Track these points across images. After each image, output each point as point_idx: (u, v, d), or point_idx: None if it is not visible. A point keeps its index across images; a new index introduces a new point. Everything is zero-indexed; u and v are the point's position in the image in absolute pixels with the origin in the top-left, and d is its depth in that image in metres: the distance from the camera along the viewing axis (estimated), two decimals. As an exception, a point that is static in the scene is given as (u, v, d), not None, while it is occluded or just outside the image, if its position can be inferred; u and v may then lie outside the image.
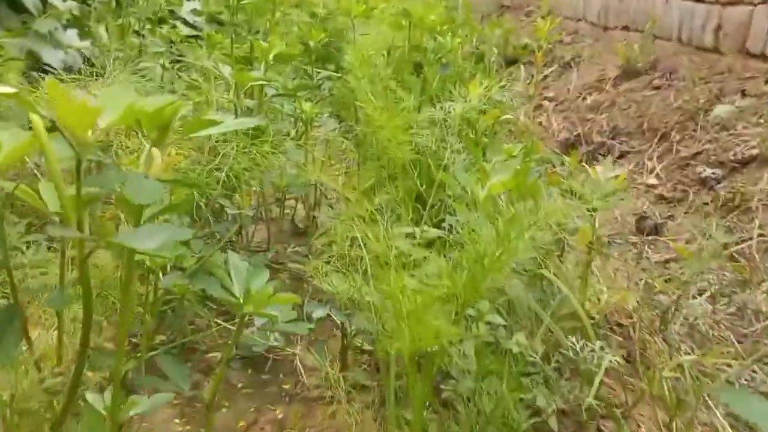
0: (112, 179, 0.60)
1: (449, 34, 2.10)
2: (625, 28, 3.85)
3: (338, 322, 1.46)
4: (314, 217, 1.86)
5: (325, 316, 1.37)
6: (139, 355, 1.16)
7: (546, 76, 3.70)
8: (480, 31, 2.20)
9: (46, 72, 2.93)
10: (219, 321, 1.50)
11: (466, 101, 1.57)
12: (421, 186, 1.54)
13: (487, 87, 1.64)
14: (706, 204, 2.19)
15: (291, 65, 2.42)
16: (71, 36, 3.29)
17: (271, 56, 1.50)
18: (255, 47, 1.51)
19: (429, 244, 1.16)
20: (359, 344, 1.44)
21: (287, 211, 2.00)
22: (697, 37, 3.19)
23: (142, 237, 0.49)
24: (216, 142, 1.64)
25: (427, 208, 1.57)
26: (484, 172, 1.09)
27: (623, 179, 1.17)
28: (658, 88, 3.05)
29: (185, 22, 3.90)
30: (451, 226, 1.02)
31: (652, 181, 2.48)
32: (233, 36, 1.74)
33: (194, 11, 3.92)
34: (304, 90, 1.87)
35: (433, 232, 1.06)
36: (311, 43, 1.95)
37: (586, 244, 1.07)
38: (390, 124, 1.44)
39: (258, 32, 2.46)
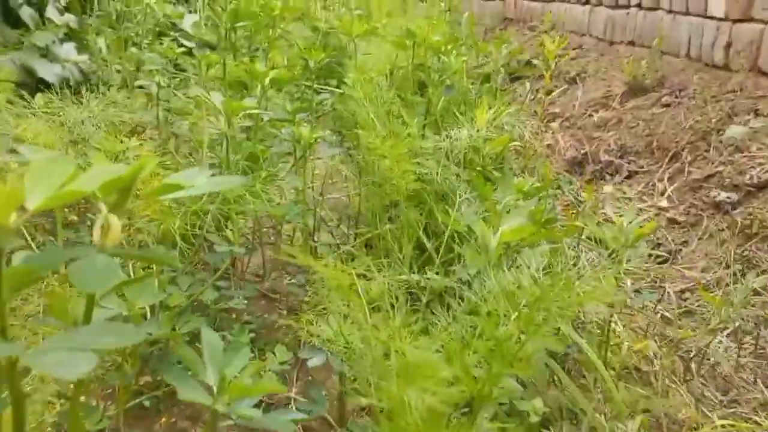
0: (56, 257, 0.49)
1: (453, 53, 2.00)
2: (631, 43, 3.75)
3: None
4: (313, 242, 1.75)
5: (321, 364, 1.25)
6: (115, 411, 1.05)
7: (550, 92, 3.59)
8: (485, 49, 2.10)
9: (41, 87, 2.83)
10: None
11: (473, 128, 1.46)
12: (427, 217, 1.43)
13: (495, 112, 1.53)
14: (722, 230, 2.07)
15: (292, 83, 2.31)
16: (69, 50, 3.19)
17: (267, 80, 1.40)
18: (250, 71, 1.41)
19: (438, 294, 1.04)
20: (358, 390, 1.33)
21: (286, 234, 1.89)
22: (706, 54, 3.08)
23: (56, 360, 0.38)
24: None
25: (433, 238, 1.45)
26: (495, 214, 0.98)
27: (652, 228, 1.06)
28: (667, 105, 2.94)
29: (187, 36, 3.80)
30: (465, 280, 0.90)
31: (664, 203, 2.36)
32: (227, 56, 1.63)
33: (195, 24, 3.82)
34: (303, 112, 1.76)
35: (440, 283, 0.95)
36: (311, 63, 1.84)
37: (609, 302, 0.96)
38: (393, 153, 1.33)
39: (258, 49, 2.36)
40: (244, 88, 1.47)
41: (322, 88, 2.46)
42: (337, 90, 2.20)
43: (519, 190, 1.10)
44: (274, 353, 1.39)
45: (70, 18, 3.26)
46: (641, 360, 1.29)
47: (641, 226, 0.97)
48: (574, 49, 4.22)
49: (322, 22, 3.16)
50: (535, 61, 2.60)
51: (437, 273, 1.30)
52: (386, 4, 4.39)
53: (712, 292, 1.81)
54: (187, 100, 2.10)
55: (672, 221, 2.26)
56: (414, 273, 1.42)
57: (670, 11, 3.38)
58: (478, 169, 1.49)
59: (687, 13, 3.24)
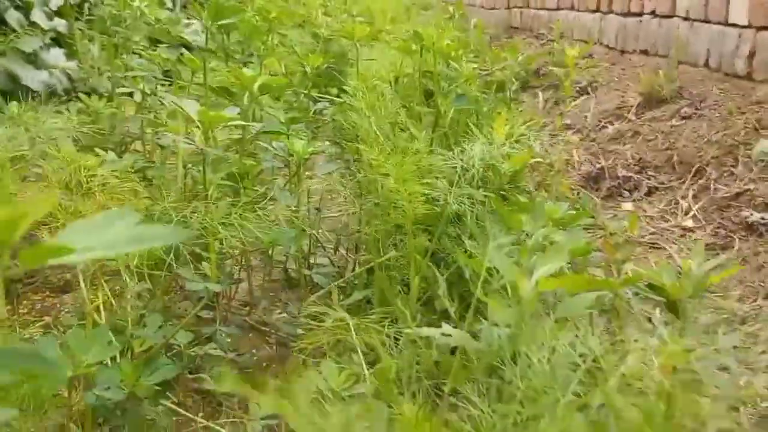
0: None
1: (464, 59, 1.80)
2: (644, 52, 3.55)
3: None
4: (308, 269, 1.54)
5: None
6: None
7: (558, 102, 3.39)
8: (498, 56, 1.90)
9: (25, 95, 2.64)
10: (182, 414, 1.18)
11: (488, 142, 1.26)
12: (436, 244, 1.22)
13: (512, 126, 1.32)
14: (757, 254, 1.87)
15: (290, 91, 2.12)
16: (57, 56, 3.00)
17: (256, 86, 1.19)
18: (237, 76, 1.21)
19: (452, 352, 0.84)
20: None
21: (280, 258, 1.68)
22: (727, 63, 2.88)
23: None
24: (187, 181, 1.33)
25: (444, 268, 1.25)
26: (525, 251, 0.78)
27: (733, 272, 0.85)
28: (686, 117, 2.73)
29: (185, 43, 3.61)
30: (498, 337, 0.70)
31: (689, 223, 2.16)
32: (213, 60, 1.43)
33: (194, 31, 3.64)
34: (298, 123, 1.56)
35: (458, 337, 0.75)
36: (308, 69, 1.65)
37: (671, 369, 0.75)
38: (398, 172, 1.12)
39: (252, 55, 2.16)
40: (230, 96, 1.28)
41: (321, 97, 2.27)
42: (338, 99, 2.01)
43: (552, 218, 0.90)
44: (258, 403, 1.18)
45: (59, 23, 3.08)
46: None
47: (713, 270, 0.77)
48: (583, 58, 4.02)
49: (323, 28, 2.97)
50: (553, 69, 2.40)
51: (447, 316, 1.10)
52: (390, 11, 4.21)
53: (751, 326, 1.60)
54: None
55: (699, 243, 2.05)
56: (421, 310, 1.22)
57: (686, 19, 3.19)
58: (496, 190, 1.28)
59: (706, 21, 3.04)
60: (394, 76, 1.83)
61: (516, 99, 2.18)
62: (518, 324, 0.66)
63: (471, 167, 1.27)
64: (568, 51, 1.77)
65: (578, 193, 2.25)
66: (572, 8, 4.37)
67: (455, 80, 1.64)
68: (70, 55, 3.12)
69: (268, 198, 1.38)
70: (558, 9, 4.59)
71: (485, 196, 1.30)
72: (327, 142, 2.03)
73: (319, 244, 1.65)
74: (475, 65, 1.88)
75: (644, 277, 0.80)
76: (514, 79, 1.88)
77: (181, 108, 1.01)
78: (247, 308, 1.63)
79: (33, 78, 2.77)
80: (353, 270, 1.53)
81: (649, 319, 1.21)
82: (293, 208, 1.36)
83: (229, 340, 1.29)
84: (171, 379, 1.17)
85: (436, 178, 1.26)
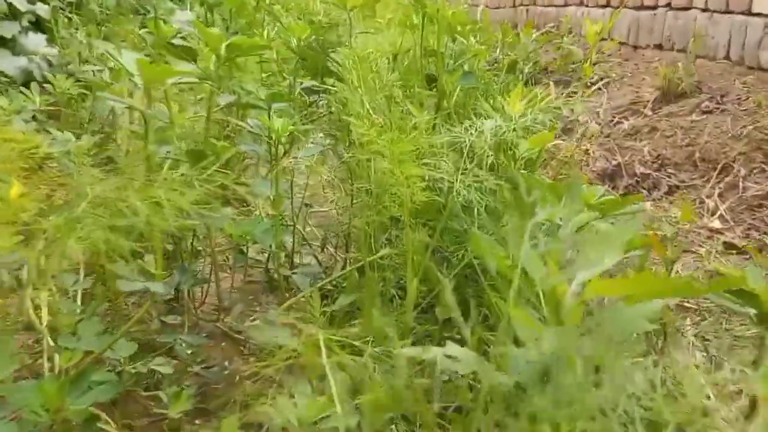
0: None
1: (472, 36, 1.58)
2: (658, 46, 3.33)
3: None
4: (291, 268, 1.32)
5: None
6: None
7: (570, 96, 3.17)
8: (512, 37, 1.68)
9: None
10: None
11: (501, 119, 1.04)
12: (439, 239, 1.00)
13: (531, 101, 1.10)
14: (798, 258, 1.64)
15: (281, 75, 1.91)
16: (37, 41, 2.78)
17: (223, 47, 0.97)
18: (200, 32, 0.98)
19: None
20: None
21: (253, 259, 1.46)
22: (750, 56, 2.66)
23: None
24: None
25: (448, 268, 1.02)
26: (557, 247, 0.56)
27: None
28: (707, 112, 2.51)
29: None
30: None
31: (716, 224, 1.93)
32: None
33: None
34: (281, 101, 1.34)
35: (470, 361, 0.52)
36: (294, 42, 1.43)
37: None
38: (393, 150, 0.90)
39: (237, 33, 1.94)
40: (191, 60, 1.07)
41: (317, 87, 2.05)
42: (333, 88, 1.79)
43: (591, 203, 0.67)
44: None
45: (40, 7, 2.86)
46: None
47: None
48: (596, 53, 3.80)
49: (320, 16, 2.75)
50: (571, 47, 2.18)
51: (451, 327, 0.88)
52: (392, 4, 3.99)
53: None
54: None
55: (729, 246, 1.82)
56: (420, 319, 0.99)
57: (705, 10, 2.97)
58: (510, 177, 1.06)
59: (727, 12, 2.82)
60: (393, 54, 1.61)
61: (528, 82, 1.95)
62: (559, 345, 0.44)
63: (480, 148, 1.05)
64: (590, 26, 1.55)
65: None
66: (581, 4, 4.15)
67: (462, 56, 1.42)
68: (52, 40, 2.90)
69: (240, 184, 1.16)
70: (566, 5, 4.37)
71: (497, 184, 1.08)
72: (321, 135, 1.82)
73: (305, 242, 1.43)
74: (485, 45, 1.66)
75: (731, 282, 0.58)
76: (528, 61, 1.66)
77: (115, 59, 0.79)
78: (222, 312, 1.41)
79: (10, 64, 2.55)
80: (342, 269, 1.31)
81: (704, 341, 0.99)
82: (270, 198, 1.14)
83: (189, 352, 1.06)
84: (116, 398, 0.94)
85: (439, 159, 1.04)
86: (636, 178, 2.29)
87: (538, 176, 1.25)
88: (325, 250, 1.43)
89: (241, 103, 1.13)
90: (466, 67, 1.48)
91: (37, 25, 2.91)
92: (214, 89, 1.01)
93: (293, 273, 1.17)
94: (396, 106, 1.23)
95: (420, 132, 1.03)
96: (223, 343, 1.29)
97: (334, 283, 1.18)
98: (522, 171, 1.16)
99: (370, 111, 1.18)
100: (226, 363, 1.26)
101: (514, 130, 0.99)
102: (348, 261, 1.33)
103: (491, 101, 1.38)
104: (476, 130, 0.99)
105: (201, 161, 0.97)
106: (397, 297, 1.03)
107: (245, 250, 1.26)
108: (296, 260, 1.46)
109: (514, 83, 1.63)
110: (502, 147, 1.09)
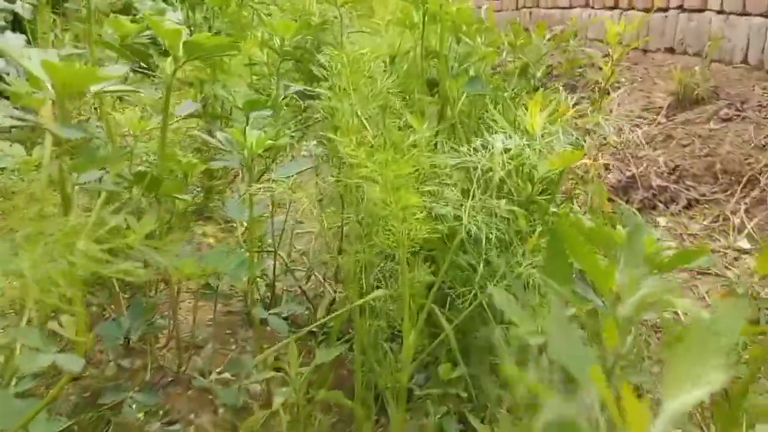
0: None
1: (479, 36, 1.39)
2: (670, 50, 3.14)
3: None
4: (270, 304, 1.12)
5: None
6: None
7: (577, 103, 2.98)
8: (524, 38, 1.49)
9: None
10: None
11: (516, 135, 0.85)
12: (444, 279, 0.81)
13: (553, 114, 0.91)
14: (842, 286, 1.45)
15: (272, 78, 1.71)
16: (15, 42, 2.60)
17: (180, 44, 0.77)
18: (152, 26, 0.79)
19: None
20: None
21: (222, 301, 1.26)
22: (771, 60, 2.48)
23: None
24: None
25: (454, 313, 0.84)
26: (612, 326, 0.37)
27: None
28: (727, 120, 2.32)
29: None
30: None
31: (744, 244, 1.74)
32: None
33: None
34: (260, 109, 1.15)
35: None
36: (278, 42, 1.24)
37: None
38: (387, 174, 0.71)
39: (219, 33, 1.75)
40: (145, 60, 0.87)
41: (310, 91, 1.86)
42: (326, 93, 1.59)
43: (652, 257, 0.48)
44: None
45: (19, 6, 2.67)
46: None
47: None
48: (601, 58, 3.62)
49: (315, 17, 2.56)
50: (589, 51, 1.99)
51: (456, 387, 0.70)
52: (392, 2, 3.79)
53: None
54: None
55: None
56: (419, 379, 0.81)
57: (720, 12, 2.78)
58: (525, 202, 0.87)
59: (744, 14, 2.63)
60: (391, 57, 1.42)
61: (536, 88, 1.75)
62: None
63: (490, 170, 0.86)
64: (611, 26, 1.36)
65: (617, 206, 1.84)
66: (587, 5, 3.96)
67: (468, 59, 1.23)
68: (34, 41, 2.71)
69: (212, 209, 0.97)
70: (571, 7, 4.19)
71: (510, 210, 0.89)
72: (314, 142, 1.63)
73: (288, 268, 1.24)
74: (492, 47, 1.47)
75: None
76: (538, 64, 1.47)
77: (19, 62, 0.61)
78: (192, 351, 1.22)
79: (-18, 65, 2.36)
80: (330, 305, 1.12)
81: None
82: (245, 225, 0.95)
83: (141, 415, 0.87)
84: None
85: (442, 183, 0.85)
86: (652, 191, 2.10)
87: (575, 215, 1.06)
88: (309, 281, 1.23)
89: (211, 113, 0.94)
90: (472, 71, 1.29)
91: (17, 24, 2.72)
92: (170, 96, 0.82)
93: (270, 314, 0.98)
94: (392, 116, 1.04)
95: (420, 149, 0.84)
96: (189, 392, 1.10)
97: (319, 326, 0.99)
98: (541, 198, 0.97)
99: (362, 123, 0.99)
100: (192, 416, 1.06)
101: (538, 150, 0.80)
102: (337, 294, 1.13)
103: (501, 110, 1.19)
104: (488, 150, 0.80)
105: (155, 186, 0.78)
106: (391, 349, 0.84)
107: (215, 284, 1.07)
108: (279, 287, 1.27)
109: (526, 89, 1.44)
110: (516, 166, 0.90)
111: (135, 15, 3.27)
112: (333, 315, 0.93)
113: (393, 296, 0.83)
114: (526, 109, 0.97)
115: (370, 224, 0.81)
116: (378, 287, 0.91)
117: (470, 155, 0.81)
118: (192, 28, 1.79)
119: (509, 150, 0.80)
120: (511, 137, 0.84)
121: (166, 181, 0.82)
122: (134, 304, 0.93)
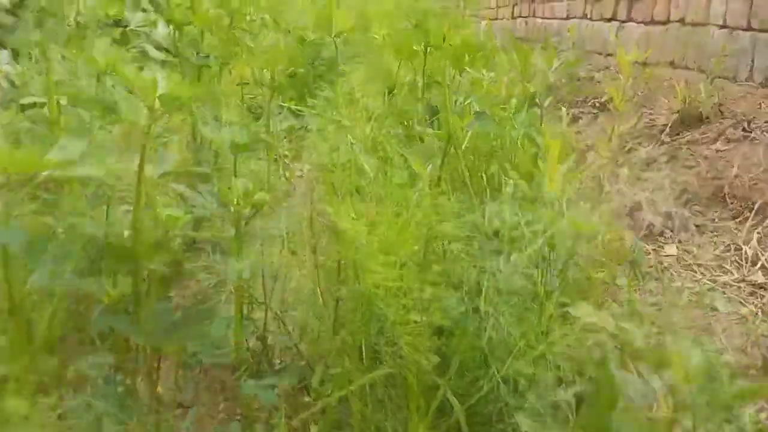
0: None
1: (483, 66, 1.29)
2: (671, 64, 3.04)
3: None
4: (262, 367, 1.01)
5: None
6: None
7: (576, 119, 2.88)
8: (526, 60, 1.39)
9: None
10: None
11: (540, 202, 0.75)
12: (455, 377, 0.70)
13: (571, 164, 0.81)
14: None
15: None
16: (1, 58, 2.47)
17: (156, 97, 0.66)
18: (124, 82, 0.68)
19: None
20: None
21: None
22: (777, 78, 2.38)
23: None
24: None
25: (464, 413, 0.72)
26: None
27: None
28: (734, 140, 2.22)
29: (158, 47, 3.09)
30: None
31: (758, 277, 1.64)
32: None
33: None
34: (247, 150, 1.04)
35: None
36: (267, 75, 1.14)
37: None
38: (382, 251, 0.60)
39: (207, 57, 1.64)
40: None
41: (299, 110, 1.75)
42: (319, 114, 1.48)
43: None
44: None
45: (5, 20, 2.55)
46: None
47: None
48: (599, 70, 3.52)
49: (310, 32, 2.44)
50: (597, 76, 1.89)
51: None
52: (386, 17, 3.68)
53: None
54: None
55: (777, 305, 1.53)
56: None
57: (723, 26, 2.68)
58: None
59: (749, 29, 2.54)
60: (388, 88, 1.31)
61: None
62: None
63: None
64: (623, 57, 1.26)
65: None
66: (584, 17, 3.86)
67: (473, 91, 1.13)
68: (20, 57, 2.59)
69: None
70: (568, 18, 4.09)
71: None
72: (308, 166, 1.52)
73: (279, 320, 1.12)
74: (496, 75, 1.36)
75: None
76: (546, 92, 1.37)
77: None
78: (178, 410, 1.10)
79: (-39, 83, 2.23)
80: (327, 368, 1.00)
81: None
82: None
83: None
84: None
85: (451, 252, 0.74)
86: (658, 217, 1.99)
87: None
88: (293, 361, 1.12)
89: (176, 171, 0.83)
90: (476, 105, 1.18)
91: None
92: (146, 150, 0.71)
93: (260, 386, 0.87)
94: (388, 164, 0.93)
95: (426, 215, 0.72)
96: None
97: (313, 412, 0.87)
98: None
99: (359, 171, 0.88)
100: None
101: (557, 219, 0.69)
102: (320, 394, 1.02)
103: (510, 153, 1.08)
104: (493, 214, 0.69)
105: (126, 258, 0.67)
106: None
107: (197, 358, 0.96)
108: (269, 339, 1.15)
109: (535, 124, 1.33)
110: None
111: (126, 27, 3.14)
112: (325, 402, 0.82)
113: (392, 396, 0.72)
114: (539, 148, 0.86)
115: (368, 302, 0.70)
116: (377, 359, 0.80)
117: (483, 223, 0.70)
118: (177, 49, 1.67)
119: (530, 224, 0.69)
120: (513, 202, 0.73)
121: (140, 250, 0.71)
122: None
